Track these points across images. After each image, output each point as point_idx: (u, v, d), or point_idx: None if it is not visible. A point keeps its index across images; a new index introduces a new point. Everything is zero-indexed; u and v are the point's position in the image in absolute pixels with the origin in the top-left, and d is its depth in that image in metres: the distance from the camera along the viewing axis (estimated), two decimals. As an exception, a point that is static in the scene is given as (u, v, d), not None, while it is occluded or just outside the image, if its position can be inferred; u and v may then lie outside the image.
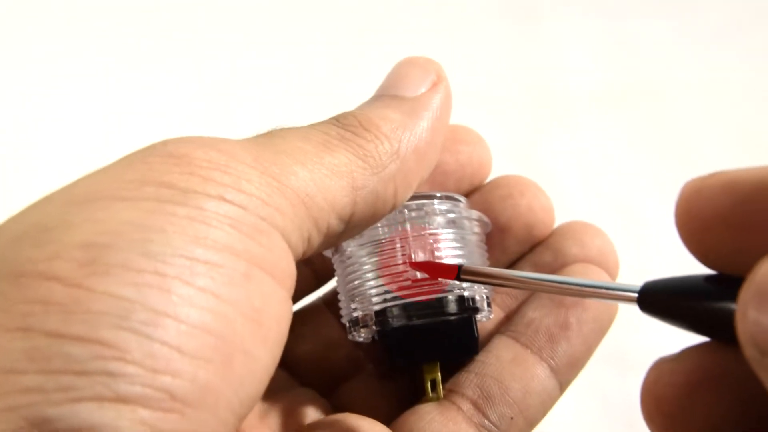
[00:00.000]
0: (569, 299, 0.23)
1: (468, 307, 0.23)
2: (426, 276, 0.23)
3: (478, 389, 0.23)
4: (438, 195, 0.25)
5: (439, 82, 0.24)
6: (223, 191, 0.18)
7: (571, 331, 0.23)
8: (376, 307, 0.23)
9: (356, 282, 0.24)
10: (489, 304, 0.24)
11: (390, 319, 0.23)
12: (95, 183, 0.18)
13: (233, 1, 0.57)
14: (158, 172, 0.18)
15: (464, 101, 0.52)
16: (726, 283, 0.16)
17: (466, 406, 0.23)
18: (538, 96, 0.53)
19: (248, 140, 0.20)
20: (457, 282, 0.23)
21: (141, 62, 0.53)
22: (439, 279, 0.23)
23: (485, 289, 0.24)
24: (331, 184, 0.20)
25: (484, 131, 0.48)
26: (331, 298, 0.27)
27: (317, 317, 0.27)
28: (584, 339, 0.23)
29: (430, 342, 0.23)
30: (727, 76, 0.54)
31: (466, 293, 0.23)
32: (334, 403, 0.25)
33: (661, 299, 0.18)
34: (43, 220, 0.17)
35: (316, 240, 0.20)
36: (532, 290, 0.24)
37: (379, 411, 0.24)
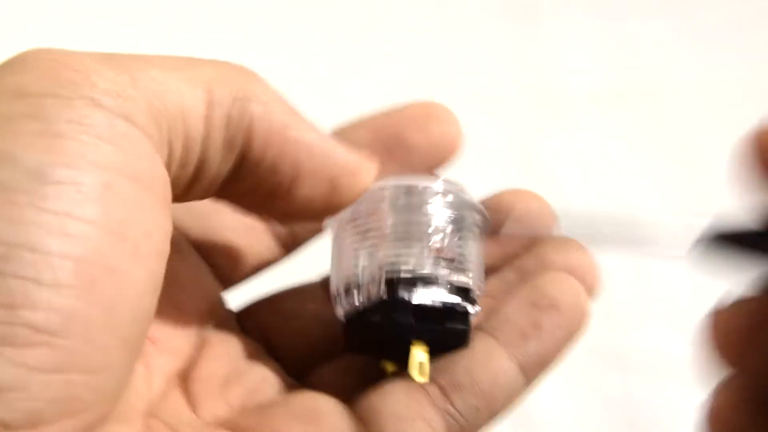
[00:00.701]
0: (544, 301, 0.24)
1: (472, 297, 0.24)
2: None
3: (448, 377, 0.23)
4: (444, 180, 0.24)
5: (365, 157, 0.23)
6: (77, 91, 0.17)
7: (542, 331, 0.24)
8: (387, 275, 0.23)
9: (348, 253, 0.24)
10: (477, 302, 0.24)
11: (396, 289, 0.23)
12: None
13: (234, 1, 0.57)
14: (8, 75, 0.17)
15: (464, 101, 0.52)
16: None
17: (433, 390, 0.23)
18: (538, 96, 0.53)
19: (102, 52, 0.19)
20: (467, 274, 0.23)
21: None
22: (463, 267, 0.23)
23: (480, 284, 0.24)
24: (185, 89, 0.19)
25: (484, 131, 0.48)
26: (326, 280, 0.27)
27: (307, 294, 0.27)
28: (555, 341, 0.24)
29: (422, 323, 0.23)
30: (727, 76, 0.54)
31: (471, 284, 0.23)
32: (305, 384, 0.25)
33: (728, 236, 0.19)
34: None
35: (177, 151, 0.19)
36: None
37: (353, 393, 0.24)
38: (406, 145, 0.26)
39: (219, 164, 0.21)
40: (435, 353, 0.23)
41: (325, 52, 0.55)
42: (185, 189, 0.21)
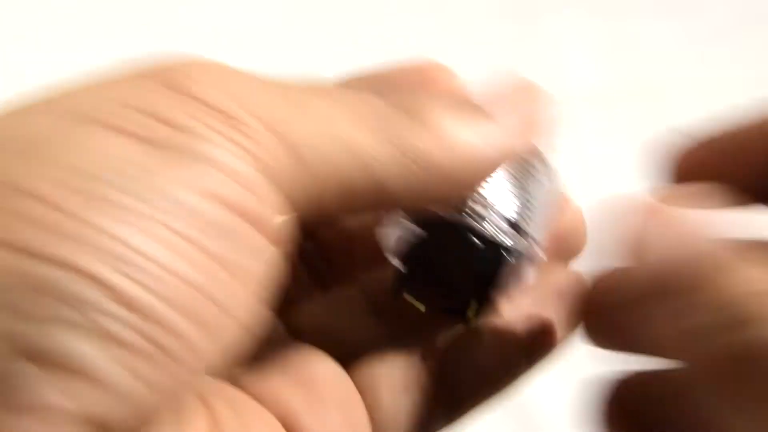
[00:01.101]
0: None
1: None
2: None
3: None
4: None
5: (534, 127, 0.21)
6: (216, 137, 0.16)
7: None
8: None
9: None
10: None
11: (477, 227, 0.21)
12: (86, 100, 0.16)
13: (234, 1, 0.57)
14: (155, 103, 0.16)
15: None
16: None
17: (432, 363, 0.22)
18: (538, 96, 0.53)
19: (272, 84, 0.18)
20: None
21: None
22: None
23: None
24: (342, 156, 0.18)
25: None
26: None
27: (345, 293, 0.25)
28: None
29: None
30: (727, 76, 0.54)
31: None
32: (288, 323, 0.24)
33: None
34: (28, 132, 0.16)
35: (311, 207, 0.18)
36: None
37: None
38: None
39: (367, 210, 0.20)
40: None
41: (324, 52, 0.55)
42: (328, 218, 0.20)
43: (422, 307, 0.23)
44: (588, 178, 0.50)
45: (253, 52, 0.54)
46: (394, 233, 0.22)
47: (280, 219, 0.17)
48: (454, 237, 0.22)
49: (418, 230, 0.22)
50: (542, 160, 0.24)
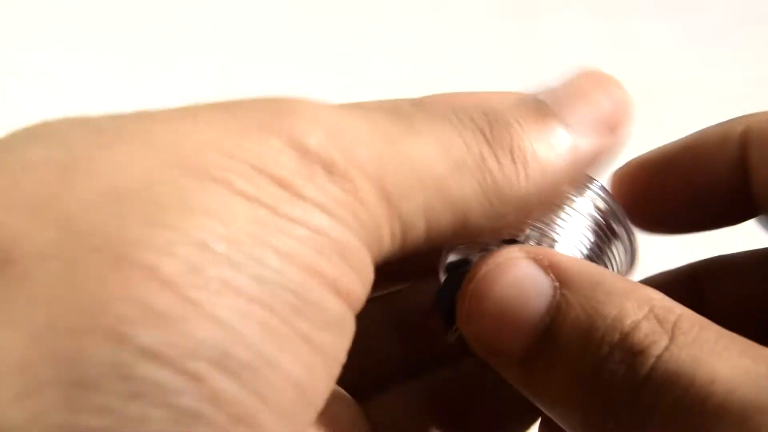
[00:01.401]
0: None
1: None
2: None
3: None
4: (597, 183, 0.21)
5: (615, 130, 0.20)
6: (326, 189, 0.15)
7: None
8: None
9: None
10: None
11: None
12: (188, 146, 0.14)
13: (234, 1, 0.57)
14: (262, 155, 0.15)
15: (464, 101, 0.52)
16: None
17: None
18: (538, 96, 0.53)
19: (379, 129, 0.17)
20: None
21: (140, 62, 0.53)
22: None
23: None
24: (443, 222, 0.17)
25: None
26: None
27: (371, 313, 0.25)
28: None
29: None
30: (727, 76, 0.54)
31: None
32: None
33: None
34: (151, 184, 0.13)
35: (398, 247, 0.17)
36: None
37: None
38: None
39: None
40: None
41: (323, 52, 0.55)
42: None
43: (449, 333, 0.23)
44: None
45: (253, 52, 0.54)
46: (450, 255, 0.22)
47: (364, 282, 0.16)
48: None
49: (470, 254, 0.21)
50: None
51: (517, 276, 0.18)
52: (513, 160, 0.18)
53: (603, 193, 0.22)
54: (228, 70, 0.54)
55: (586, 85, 0.21)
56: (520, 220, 0.19)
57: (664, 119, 0.53)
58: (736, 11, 0.58)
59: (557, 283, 0.17)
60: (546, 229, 0.21)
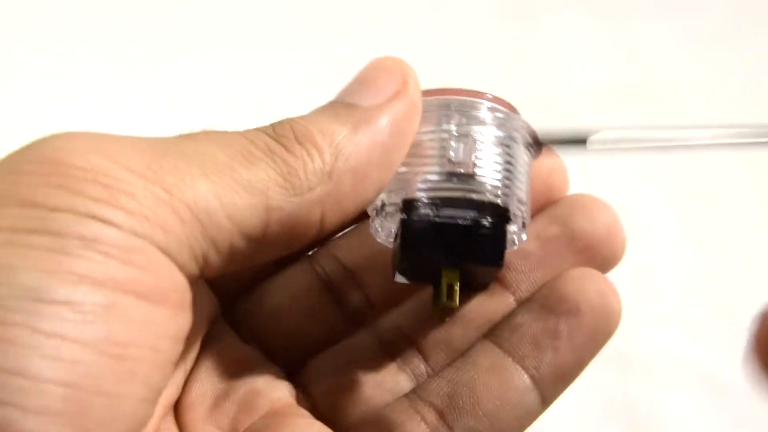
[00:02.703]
0: (561, 305, 0.21)
1: (501, 214, 0.22)
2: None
3: (446, 398, 0.21)
4: (489, 96, 0.23)
5: (403, 90, 0.21)
6: (94, 208, 0.16)
7: (560, 340, 0.21)
8: (405, 195, 0.21)
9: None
10: (525, 226, 0.22)
11: (415, 209, 0.21)
12: None
13: (234, 1, 0.57)
14: (25, 185, 0.16)
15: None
16: None
17: (431, 416, 0.21)
18: (538, 96, 0.53)
19: (152, 141, 0.18)
20: (493, 190, 0.21)
21: (140, 63, 0.53)
22: (484, 182, 0.21)
23: (524, 209, 0.22)
24: (238, 200, 0.18)
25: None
26: (317, 254, 0.26)
27: (299, 278, 0.25)
28: (575, 350, 0.21)
29: (454, 244, 0.21)
30: (727, 76, 0.54)
31: (500, 201, 0.22)
32: (300, 383, 0.24)
33: None
34: None
35: (216, 259, 0.18)
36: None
37: (346, 396, 0.23)
38: None
39: (281, 250, 0.20)
40: (470, 278, 0.22)
41: (323, 52, 0.55)
42: (238, 267, 0.19)
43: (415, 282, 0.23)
44: (588, 177, 0.49)
45: (253, 52, 0.54)
46: (386, 223, 0.22)
47: (170, 276, 0.17)
48: (445, 213, 0.21)
49: (406, 215, 0.22)
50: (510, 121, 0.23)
51: None
52: (299, 142, 0.19)
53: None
54: (228, 70, 0.54)
55: (366, 70, 0.23)
56: (363, 187, 0.20)
57: (664, 119, 0.53)
58: (736, 11, 0.58)
59: None
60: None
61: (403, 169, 0.22)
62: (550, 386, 0.21)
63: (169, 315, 0.17)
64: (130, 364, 0.16)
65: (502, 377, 0.21)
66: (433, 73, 0.59)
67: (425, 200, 0.21)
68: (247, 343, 0.25)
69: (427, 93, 0.22)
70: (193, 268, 0.18)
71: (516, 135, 0.23)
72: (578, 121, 0.52)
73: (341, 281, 0.25)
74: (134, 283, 0.16)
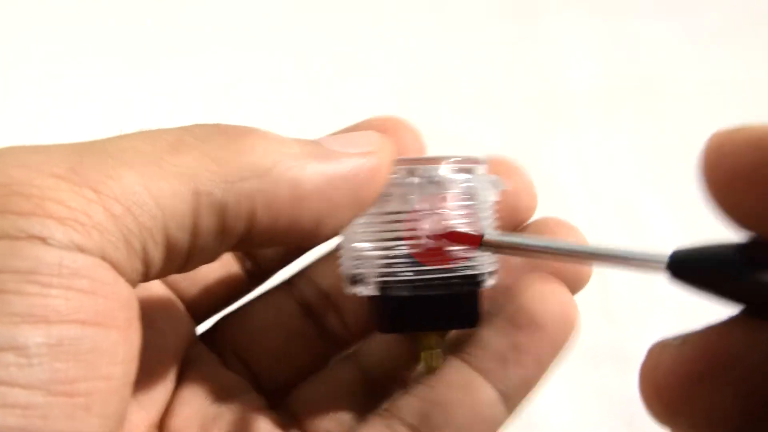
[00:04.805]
0: (524, 320, 0.22)
1: (475, 281, 0.22)
2: (440, 246, 0.22)
3: (420, 416, 0.21)
4: (453, 159, 0.23)
5: (374, 152, 0.21)
6: (22, 224, 0.15)
7: (525, 354, 0.21)
8: (378, 275, 0.22)
9: (360, 245, 0.23)
10: (494, 273, 0.23)
11: (392, 287, 0.22)
12: None
13: (234, 1, 0.57)
14: None
15: (464, 101, 0.52)
16: (763, 250, 0.15)
17: None
18: (538, 96, 0.53)
19: (76, 145, 0.18)
20: (468, 255, 0.22)
21: (139, 63, 0.53)
22: (459, 248, 0.22)
23: (493, 266, 0.23)
24: (165, 186, 0.17)
25: (484, 131, 0.48)
26: (295, 279, 0.26)
27: (279, 302, 0.26)
28: (539, 362, 0.22)
29: (430, 313, 0.22)
30: (727, 76, 0.54)
31: (474, 271, 0.22)
32: (286, 411, 0.24)
33: (692, 268, 0.17)
34: None
35: (156, 254, 0.18)
36: (554, 259, 0.22)
37: (331, 423, 0.23)
38: None
39: (219, 245, 0.19)
40: (447, 330, 0.23)
41: (323, 52, 0.55)
42: (182, 266, 0.19)
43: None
44: (588, 177, 0.50)
45: (253, 53, 0.54)
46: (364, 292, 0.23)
47: (114, 294, 0.17)
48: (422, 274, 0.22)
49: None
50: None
51: None
52: (243, 136, 0.19)
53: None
54: (228, 70, 0.54)
55: (354, 126, 0.24)
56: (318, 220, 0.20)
57: (664, 119, 0.53)
58: (736, 11, 0.58)
59: None
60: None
61: (377, 245, 0.22)
62: (516, 398, 0.22)
63: (118, 338, 0.17)
64: (83, 399, 0.16)
65: (472, 394, 0.21)
66: (433, 73, 0.59)
67: (397, 276, 0.22)
68: (230, 368, 0.25)
69: (397, 163, 0.23)
70: (137, 266, 0.17)
71: (482, 193, 0.23)
72: (578, 121, 0.52)
73: (320, 305, 0.26)
74: (78, 312, 0.16)
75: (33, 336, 0.15)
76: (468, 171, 0.23)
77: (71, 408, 0.16)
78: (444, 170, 0.23)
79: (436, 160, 0.23)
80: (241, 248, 0.22)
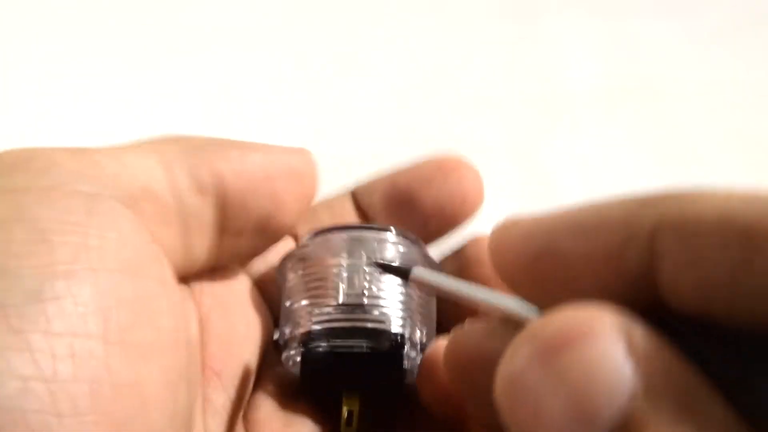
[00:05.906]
0: None
1: (395, 341, 0.22)
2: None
3: None
4: (393, 230, 0.24)
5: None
6: (46, 177, 0.17)
7: None
8: (302, 330, 0.23)
9: (288, 304, 0.23)
10: (423, 349, 0.23)
11: (312, 342, 0.22)
12: None
13: (234, 1, 0.57)
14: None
15: (464, 101, 0.52)
16: None
17: None
18: (538, 96, 0.53)
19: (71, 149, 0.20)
20: (392, 316, 0.22)
21: (139, 63, 0.53)
22: (376, 311, 0.22)
23: (424, 329, 0.23)
24: (141, 161, 0.20)
25: (484, 131, 0.48)
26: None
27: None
28: None
29: (352, 371, 0.22)
30: (727, 76, 0.54)
31: (393, 329, 0.22)
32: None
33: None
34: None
35: (156, 217, 0.20)
36: (476, 306, 0.20)
37: None
38: (419, 205, 0.25)
39: (205, 224, 0.21)
40: (374, 399, 0.23)
41: (323, 52, 0.55)
42: (187, 258, 0.21)
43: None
44: (588, 177, 0.50)
45: (253, 52, 0.54)
46: (292, 356, 0.23)
47: (153, 251, 0.19)
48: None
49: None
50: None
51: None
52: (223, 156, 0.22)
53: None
54: (228, 70, 0.54)
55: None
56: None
57: (664, 119, 0.53)
58: (736, 11, 0.58)
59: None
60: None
61: (303, 303, 0.23)
62: None
63: (159, 290, 0.18)
64: (138, 350, 0.16)
65: None
66: (433, 73, 0.59)
67: (321, 332, 0.22)
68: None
69: (326, 230, 0.24)
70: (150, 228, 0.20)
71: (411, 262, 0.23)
72: (578, 121, 0.52)
73: None
74: (118, 257, 0.17)
75: (85, 285, 0.15)
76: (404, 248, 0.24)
77: (131, 359, 0.16)
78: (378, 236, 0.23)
79: (375, 228, 0.24)
80: (232, 237, 0.23)
